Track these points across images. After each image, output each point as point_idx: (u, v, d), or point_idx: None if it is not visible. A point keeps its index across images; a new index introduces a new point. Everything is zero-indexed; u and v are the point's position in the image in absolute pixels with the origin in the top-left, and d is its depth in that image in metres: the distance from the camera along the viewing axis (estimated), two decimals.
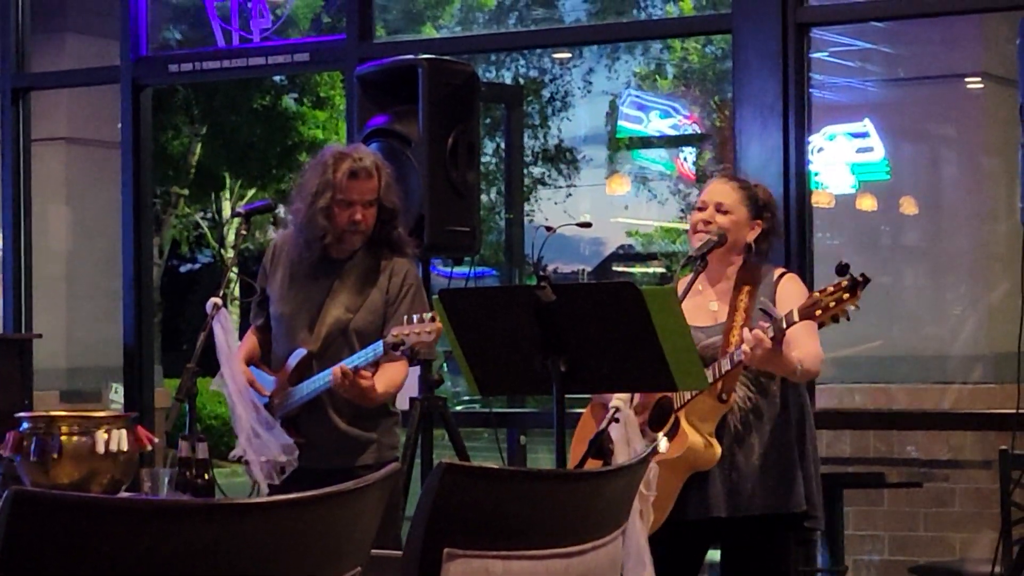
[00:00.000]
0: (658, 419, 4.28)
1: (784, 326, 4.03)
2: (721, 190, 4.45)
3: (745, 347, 4.03)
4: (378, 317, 4.58)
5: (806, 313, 4.01)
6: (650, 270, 21.91)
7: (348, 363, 4.45)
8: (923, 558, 7.25)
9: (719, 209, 4.40)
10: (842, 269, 3.99)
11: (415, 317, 4.25)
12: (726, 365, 4.15)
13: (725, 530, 4.34)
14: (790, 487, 4.30)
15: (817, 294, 4.03)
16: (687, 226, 4.56)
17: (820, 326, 4.09)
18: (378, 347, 4.36)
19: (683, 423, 4.21)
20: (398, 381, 4.57)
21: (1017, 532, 5.26)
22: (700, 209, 4.44)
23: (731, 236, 4.39)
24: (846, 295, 3.98)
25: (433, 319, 4.20)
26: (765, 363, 4.11)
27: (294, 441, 4.59)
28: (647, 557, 3.63)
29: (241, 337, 4.75)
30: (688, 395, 4.19)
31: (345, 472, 4.45)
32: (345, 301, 4.59)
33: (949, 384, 7.93)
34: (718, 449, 4.24)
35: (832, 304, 3.99)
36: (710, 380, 4.12)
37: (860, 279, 3.98)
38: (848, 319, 4.03)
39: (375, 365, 4.48)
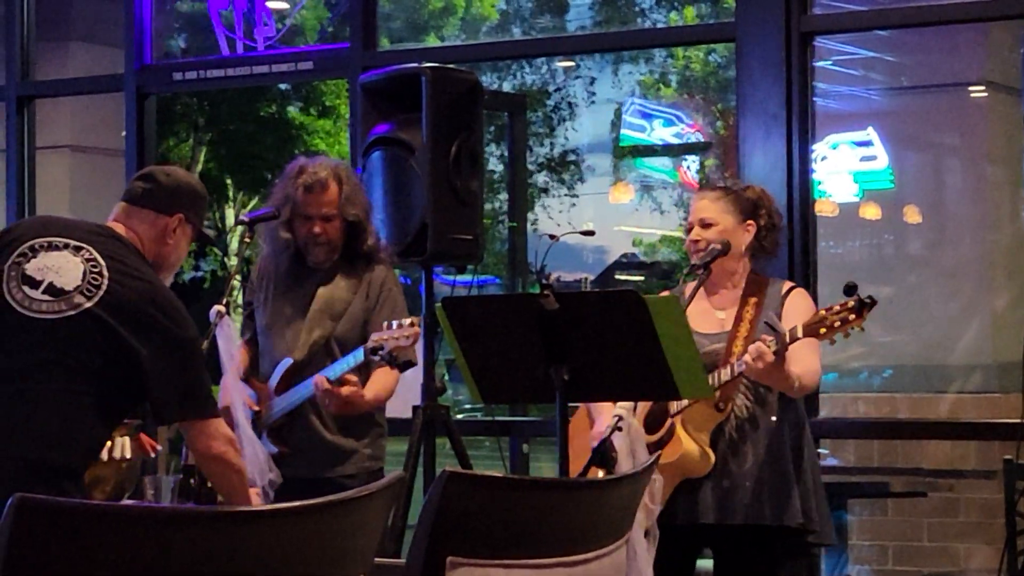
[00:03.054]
0: (652, 424, 4.27)
1: (788, 341, 4.02)
2: (701, 205, 4.43)
3: (747, 358, 4.02)
4: (359, 326, 4.61)
5: (810, 331, 4.00)
6: (653, 278, 21.92)
7: (329, 371, 4.48)
8: (927, 568, 7.25)
9: (703, 224, 4.38)
10: (849, 289, 3.97)
11: (394, 323, 4.28)
12: (726, 375, 4.14)
13: (714, 537, 4.33)
14: (784, 500, 4.27)
15: (823, 312, 4.02)
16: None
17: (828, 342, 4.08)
18: (358, 353, 4.39)
19: (678, 429, 4.20)
20: (389, 388, 4.60)
21: (1021, 542, 5.25)
22: (688, 231, 4.45)
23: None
24: (852, 316, 3.97)
25: (412, 324, 4.25)
26: (765, 376, 4.10)
27: (278, 451, 4.60)
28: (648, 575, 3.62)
29: None
30: (685, 401, 4.18)
31: (327, 482, 4.48)
32: (327, 311, 4.63)
33: (954, 394, 7.93)
34: (712, 458, 4.22)
35: (837, 323, 3.98)
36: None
37: (867, 300, 3.96)
38: (846, 336, 4.03)
39: (361, 370, 4.49)
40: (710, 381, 4.10)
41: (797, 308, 4.35)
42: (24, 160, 7.56)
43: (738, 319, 4.31)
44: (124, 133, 7.31)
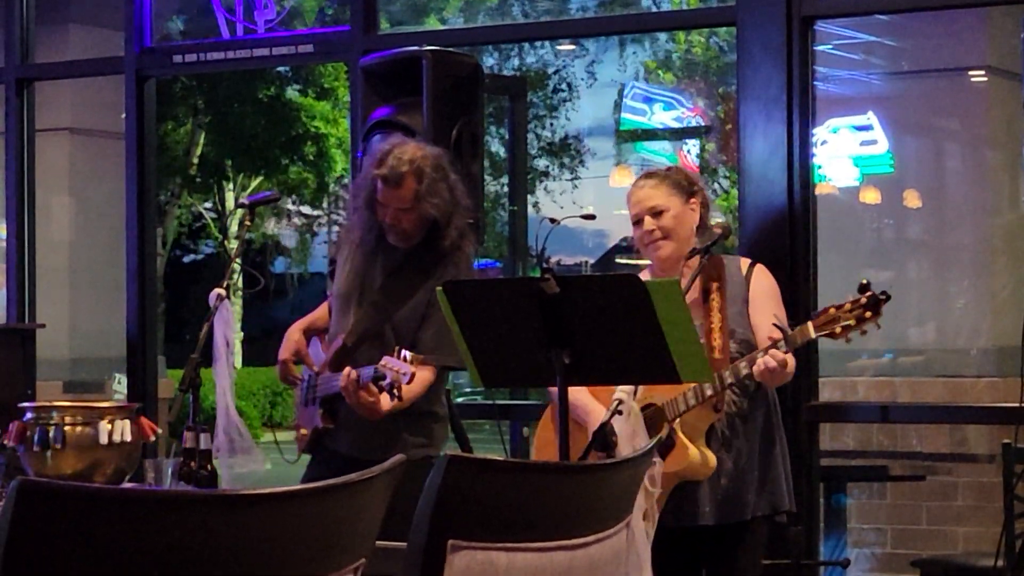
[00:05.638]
0: (648, 428, 4.20)
1: (799, 343, 3.97)
2: (644, 195, 4.31)
3: (759, 367, 3.96)
4: (417, 319, 4.52)
5: (822, 330, 3.94)
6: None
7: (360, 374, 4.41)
8: (925, 551, 7.25)
9: (654, 213, 4.28)
10: (863, 287, 3.92)
11: (406, 354, 4.16)
12: (730, 379, 4.06)
13: (711, 534, 4.30)
14: (777, 488, 4.28)
15: (832, 310, 3.94)
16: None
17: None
18: (369, 372, 4.29)
19: (680, 436, 4.13)
20: (413, 393, 4.42)
21: (1020, 526, 5.26)
22: (636, 223, 4.31)
23: (680, 230, 4.29)
24: (867, 312, 3.90)
25: (413, 361, 4.09)
26: (776, 380, 4.07)
27: (322, 425, 4.59)
28: (646, 558, 3.62)
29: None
30: (682, 406, 4.12)
31: (369, 464, 4.41)
32: (389, 297, 4.56)
33: (952, 377, 7.93)
34: (714, 461, 4.17)
35: (852, 322, 3.91)
36: (710, 392, 4.07)
37: (881, 296, 3.91)
38: (863, 334, 3.97)
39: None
40: (714, 384, 4.06)
41: (763, 289, 4.30)
42: (24, 142, 7.56)
43: (706, 310, 4.21)
44: (124, 116, 7.31)
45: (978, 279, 8.50)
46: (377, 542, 2.08)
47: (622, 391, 3.90)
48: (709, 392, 4.07)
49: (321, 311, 4.86)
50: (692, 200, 4.33)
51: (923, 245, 8.96)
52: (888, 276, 8.82)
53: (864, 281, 3.93)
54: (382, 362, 4.18)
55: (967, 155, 8.92)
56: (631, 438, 3.86)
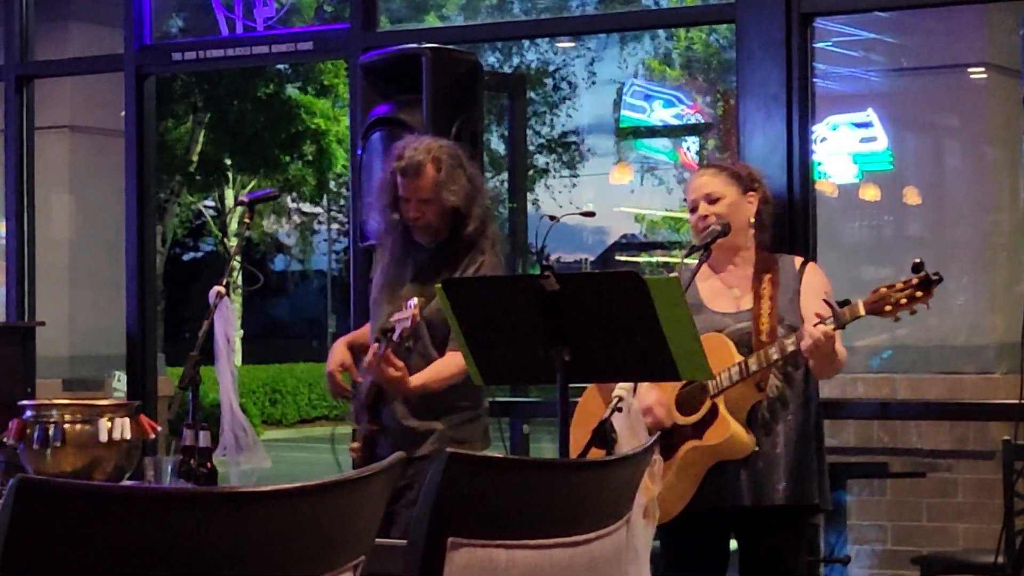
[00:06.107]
0: (687, 404, 4.24)
1: (849, 319, 4.01)
2: (703, 182, 4.41)
3: (807, 342, 3.99)
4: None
5: (872, 308, 3.99)
6: (653, 259, 21.94)
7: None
8: (926, 548, 7.25)
9: (709, 200, 4.36)
10: (916, 267, 3.96)
11: (410, 302, 4.23)
12: (775, 355, 4.11)
13: (745, 520, 4.33)
14: (809, 479, 4.30)
15: (884, 289, 3.99)
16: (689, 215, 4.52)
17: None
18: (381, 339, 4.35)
19: (722, 410, 4.18)
20: (445, 375, 4.49)
21: (1020, 522, 5.26)
22: (692, 210, 4.41)
23: (734, 219, 4.36)
24: (919, 292, 3.95)
25: (417, 306, 4.20)
26: (822, 356, 4.09)
27: (369, 429, 4.60)
28: (645, 556, 3.63)
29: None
30: (726, 382, 4.16)
31: (405, 462, 4.41)
32: (419, 293, 4.58)
33: (952, 374, 7.92)
34: (752, 441, 4.21)
35: (904, 300, 3.95)
36: (755, 368, 4.11)
37: (934, 277, 3.94)
38: (912, 314, 4.01)
39: (401, 354, 4.41)
40: (755, 360, 4.10)
41: (815, 283, 4.35)
42: (23, 140, 7.56)
43: (757, 296, 4.28)
44: (123, 113, 7.31)
45: (978, 276, 8.50)
46: (377, 539, 2.08)
47: (622, 388, 3.91)
48: (754, 368, 4.10)
49: (365, 328, 4.91)
50: (750, 194, 4.41)
51: (923, 242, 8.96)
52: (888, 273, 8.82)
53: (917, 260, 3.97)
54: (391, 319, 4.25)
55: (967, 152, 8.91)
56: (631, 435, 3.86)
